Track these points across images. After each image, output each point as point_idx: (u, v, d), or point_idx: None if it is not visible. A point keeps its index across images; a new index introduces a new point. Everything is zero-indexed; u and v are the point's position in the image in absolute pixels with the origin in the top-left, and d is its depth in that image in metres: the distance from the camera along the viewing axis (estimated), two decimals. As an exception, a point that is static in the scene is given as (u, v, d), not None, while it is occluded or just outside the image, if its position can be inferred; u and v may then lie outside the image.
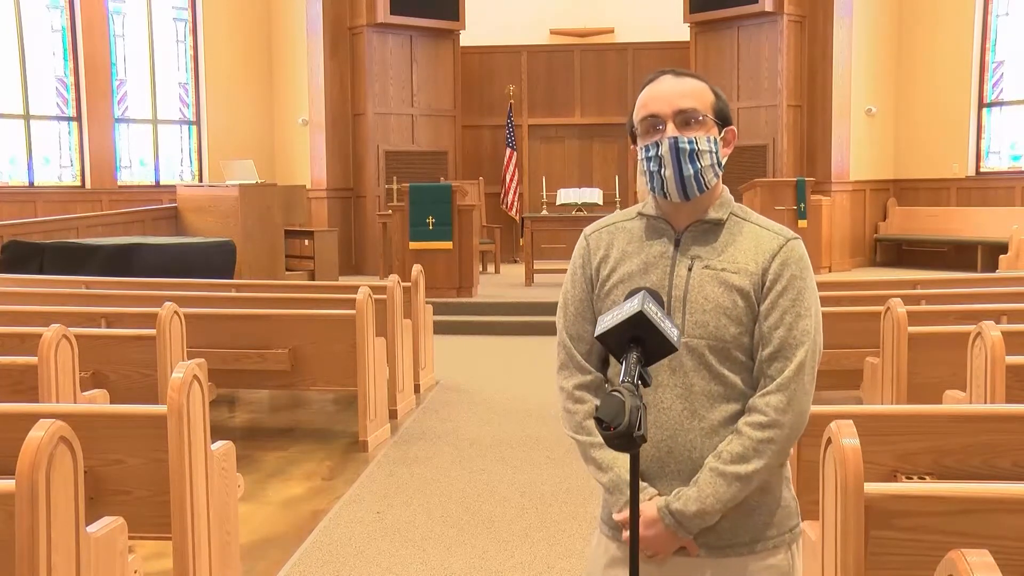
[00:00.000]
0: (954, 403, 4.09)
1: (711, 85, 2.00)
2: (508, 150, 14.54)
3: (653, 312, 1.71)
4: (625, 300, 1.78)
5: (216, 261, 10.76)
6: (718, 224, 1.96)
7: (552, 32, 15.18)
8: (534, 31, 15.03)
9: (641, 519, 1.86)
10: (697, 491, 1.86)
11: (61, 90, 12.67)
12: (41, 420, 2.48)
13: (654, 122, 1.95)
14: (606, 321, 1.75)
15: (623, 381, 1.65)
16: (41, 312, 6.04)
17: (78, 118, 12.73)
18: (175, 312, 5.22)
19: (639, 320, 1.70)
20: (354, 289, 6.28)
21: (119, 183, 13.09)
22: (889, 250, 14.35)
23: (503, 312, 10.36)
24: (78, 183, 12.80)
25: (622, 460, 1.90)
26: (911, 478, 2.92)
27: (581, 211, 12.46)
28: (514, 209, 14.54)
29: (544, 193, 13.10)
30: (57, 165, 12.75)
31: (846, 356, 5.61)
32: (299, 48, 13.92)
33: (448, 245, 10.69)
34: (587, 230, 2.08)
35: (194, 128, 14.03)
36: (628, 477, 1.84)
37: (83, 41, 12.56)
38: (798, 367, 1.87)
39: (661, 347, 1.72)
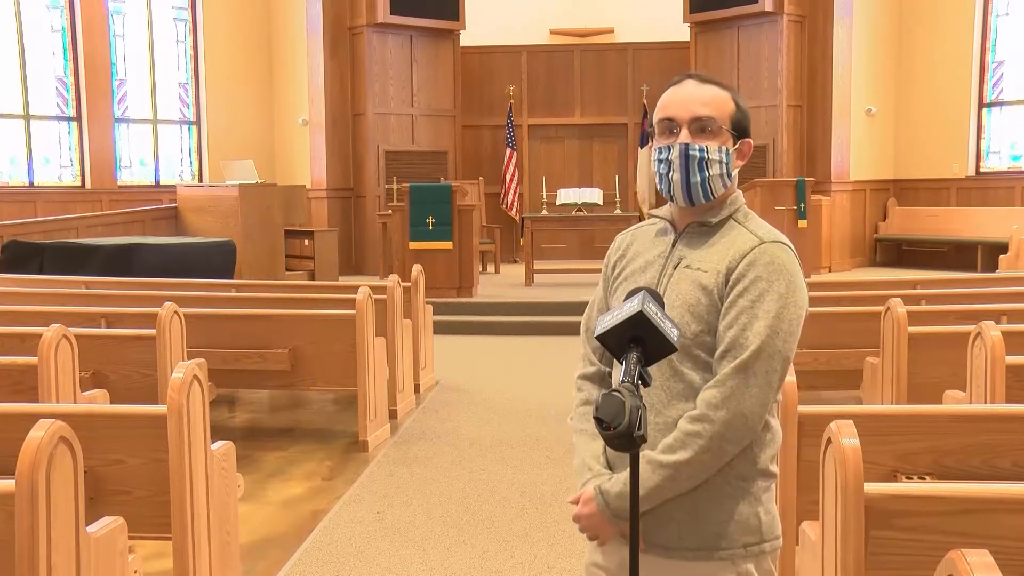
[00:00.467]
0: (954, 403, 4.09)
1: (734, 95, 2.01)
2: (508, 150, 14.54)
3: (653, 312, 1.71)
4: (625, 300, 1.78)
5: (216, 261, 10.76)
6: (712, 226, 1.98)
7: (552, 32, 15.18)
8: (534, 31, 15.03)
9: (581, 498, 1.95)
10: (626, 474, 1.86)
11: (61, 90, 12.67)
12: (41, 420, 2.48)
13: (670, 125, 1.97)
14: (606, 321, 1.75)
15: (623, 381, 1.65)
16: (41, 312, 6.04)
17: (78, 118, 12.73)
18: (175, 312, 5.22)
19: (639, 320, 1.70)
20: (354, 289, 6.28)
21: (119, 183, 13.08)
22: (889, 250, 14.35)
23: (503, 312, 10.36)
24: (78, 183, 12.79)
25: (593, 448, 1.99)
26: (911, 478, 2.92)
27: (581, 211, 12.46)
28: (514, 209, 14.54)
29: (544, 193, 13.10)
30: (57, 165, 12.75)
31: (846, 356, 5.61)
32: (299, 48, 13.92)
33: (448, 245, 10.69)
34: (619, 234, 2.17)
35: (194, 128, 14.03)
36: (591, 463, 1.98)
37: (83, 41, 12.56)
38: (741, 366, 1.84)
39: (661, 347, 1.73)
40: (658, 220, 2.09)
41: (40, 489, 2.40)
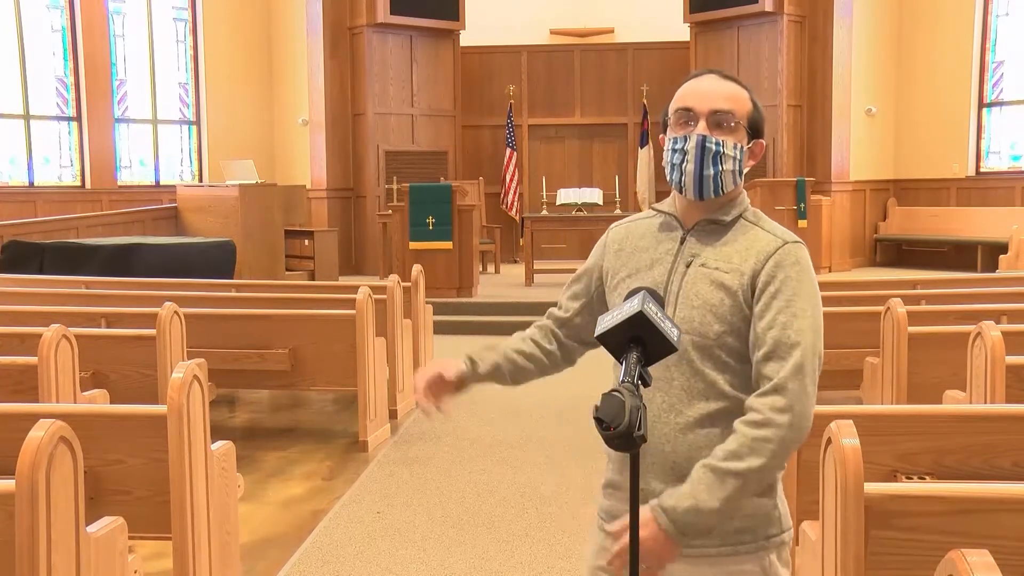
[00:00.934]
0: (954, 403, 4.09)
1: (752, 95, 2.01)
2: (508, 150, 14.53)
3: (653, 312, 1.71)
4: (625, 300, 1.78)
5: (216, 261, 10.76)
6: (724, 225, 1.96)
7: (552, 32, 15.17)
8: (534, 31, 15.02)
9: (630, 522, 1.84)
10: (690, 486, 1.81)
11: (61, 90, 12.67)
12: (41, 420, 2.48)
13: (687, 116, 1.95)
14: (606, 321, 1.75)
15: (623, 381, 1.64)
16: (41, 312, 6.04)
17: (78, 118, 12.73)
18: (175, 312, 5.22)
19: (639, 320, 1.70)
20: (354, 289, 6.28)
21: (119, 183, 13.08)
22: (889, 250, 14.35)
23: (503, 312, 10.36)
24: (78, 183, 12.79)
25: (510, 344, 2.21)
26: (911, 478, 2.92)
27: (581, 211, 12.45)
28: (514, 209, 14.53)
29: (544, 193, 13.10)
30: (57, 165, 12.75)
31: (846, 356, 5.61)
32: (299, 48, 13.92)
33: (448, 245, 10.69)
34: (612, 225, 2.16)
35: (194, 128, 14.03)
36: (491, 356, 2.19)
37: (83, 41, 12.56)
38: (795, 368, 1.83)
39: (661, 347, 1.72)
40: (657, 214, 2.05)
41: (40, 489, 2.40)
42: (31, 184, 12.50)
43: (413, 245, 10.66)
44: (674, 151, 1.95)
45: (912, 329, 4.83)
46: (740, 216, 1.98)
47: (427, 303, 7.74)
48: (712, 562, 1.90)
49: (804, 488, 3.11)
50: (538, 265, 12.00)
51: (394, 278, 6.73)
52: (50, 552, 2.44)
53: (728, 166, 1.93)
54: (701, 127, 1.93)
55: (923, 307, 5.96)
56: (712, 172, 1.92)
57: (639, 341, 1.71)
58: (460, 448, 5.89)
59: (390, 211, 11.66)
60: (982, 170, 13.84)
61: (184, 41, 13.87)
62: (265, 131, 14.38)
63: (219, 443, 3.50)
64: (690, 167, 1.92)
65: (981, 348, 3.85)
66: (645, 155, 14.33)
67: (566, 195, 12.76)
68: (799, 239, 1.96)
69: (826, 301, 6.67)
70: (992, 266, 11.79)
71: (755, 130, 1.99)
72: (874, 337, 5.17)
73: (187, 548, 3.18)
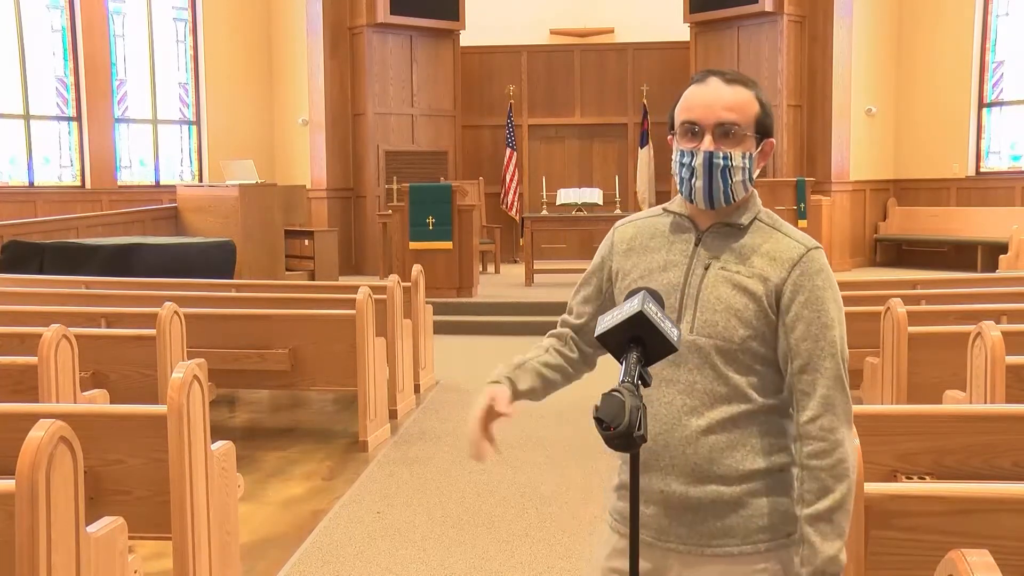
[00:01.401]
0: (954, 403, 4.09)
1: (758, 94, 1.97)
2: (508, 150, 14.54)
3: (653, 312, 1.71)
4: (625, 300, 1.78)
5: (216, 261, 10.76)
6: (741, 228, 1.95)
7: (552, 32, 15.18)
8: (534, 31, 15.02)
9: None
10: (808, 549, 1.86)
11: (61, 90, 12.68)
12: (41, 420, 2.47)
13: (692, 128, 1.94)
14: (606, 321, 1.75)
15: (623, 381, 1.64)
16: (41, 312, 6.04)
17: (78, 118, 12.73)
18: (175, 312, 5.22)
19: (639, 320, 1.70)
20: (354, 289, 6.28)
21: (119, 183, 13.09)
22: (889, 250, 14.35)
23: (503, 312, 10.36)
24: (78, 183, 12.80)
25: (537, 358, 2.13)
26: (911, 478, 2.92)
27: (581, 211, 12.46)
28: (514, 209, 14.53)
29: (544, 193, 13.11)
30: (57, 165, 12.75)
31: (846, 356, 5.60)
32: (299, 48, 13.92)
33: (448, 245, 10.69)
34: (617, 224, 2.14)
35: (194, 128, 14.03)
36: (525, 376, 2.09)
37: (83, 41, 12.56)
38: (835, 380, 1.88)
39: (661, 347, 1.72)
40: (667, 214, 2.03)
41: (40, 489, 2.40)
42: (31, 184, 12.50)
43: (413, 245, 10.66)
44: (682, 165, 1.94)
45: (912, 329, 4.83)
46: (755, 218, 1.97)
47: (427, 303, 7.74)
48: (734, 560, 1.91)
49: (804, 488, 3.10)
50: (538, 265, 12.01)
51: (394, 278, 6.73)
52: (50, 552, 2.44)
53: (738, 177, 1.92)
54: (707, 142, 1.91)
55: (923, 307, 5.96)
56: (722, 186, 1.91)
57: (639, 341, 1.71)
58: (460, 448, 5.89)
59: (390, 211, 11.66)
60: (982, 170, 13.84)
61: (184, 41, 13.87)
62: (265, 131, 14.38)
63: (219, 443, 3.50)
64: (699, 183, 1.91)
65: (981, 348, 3.85)
66: (645, 155, 14.33)
67: (566, 195, 12.77)
68: (818, 243, 1.97)
69: (826, 301, 6.56)
70: (992, 266, 11.79)
71: (764, 132, 1.97)
72: (874, 337, 5.16)
73: (187, 548, 3.18)
